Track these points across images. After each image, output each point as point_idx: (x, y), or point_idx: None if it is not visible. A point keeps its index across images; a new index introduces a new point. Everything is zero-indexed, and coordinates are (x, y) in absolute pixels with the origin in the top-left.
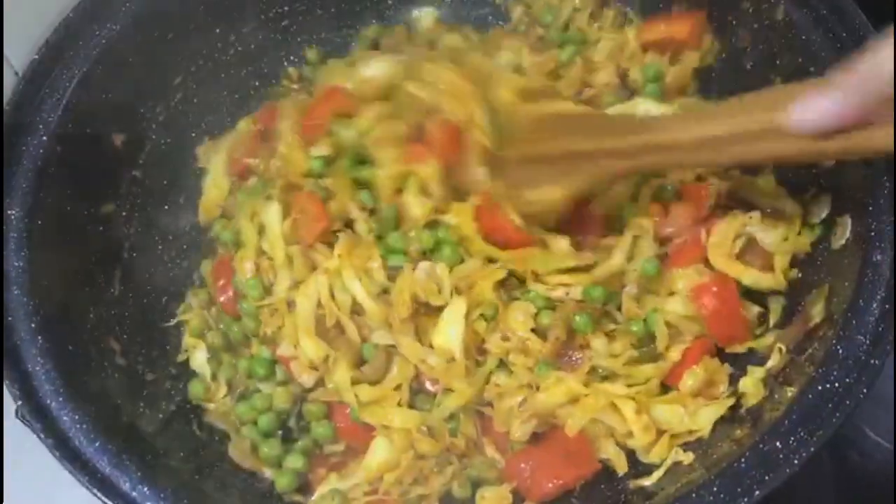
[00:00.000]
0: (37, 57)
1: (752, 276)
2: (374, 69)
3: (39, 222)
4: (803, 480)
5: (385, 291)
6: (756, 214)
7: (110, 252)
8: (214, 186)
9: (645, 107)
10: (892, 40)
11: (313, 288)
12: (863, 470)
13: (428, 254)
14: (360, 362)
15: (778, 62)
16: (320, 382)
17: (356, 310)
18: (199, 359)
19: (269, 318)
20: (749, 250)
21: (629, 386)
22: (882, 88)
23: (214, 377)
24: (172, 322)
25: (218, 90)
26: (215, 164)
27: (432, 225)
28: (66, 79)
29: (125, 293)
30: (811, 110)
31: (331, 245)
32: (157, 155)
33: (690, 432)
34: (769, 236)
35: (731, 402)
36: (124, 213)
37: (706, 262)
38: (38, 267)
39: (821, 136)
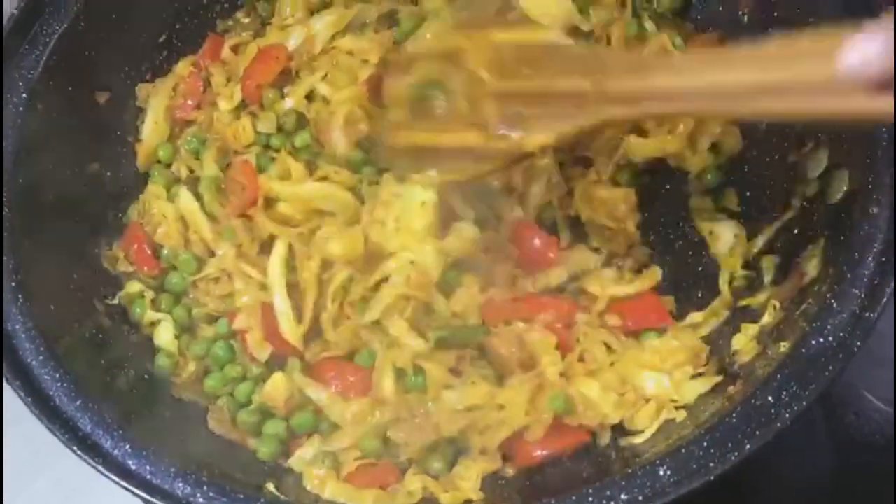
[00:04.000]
0: (16, 12)
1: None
2: (322, 25)
3: (20, 181)
4: (800, 443)
5: None
6: None
7: (95, 212)
8: (154, 132)
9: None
10: None
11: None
12: (860, 432)
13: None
14: None
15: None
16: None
17: None
18: (163, 335)
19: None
20: None
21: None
22: None
23: (182, 353)
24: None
25: None
26: (155, 108)
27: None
28: (46, 35)
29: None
30: (859, 55)
31: None
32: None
33: (674, 401)
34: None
35: (718, 379)
36: (109, 174)
37: None
38: (20, 226)
39: (863, 91)
